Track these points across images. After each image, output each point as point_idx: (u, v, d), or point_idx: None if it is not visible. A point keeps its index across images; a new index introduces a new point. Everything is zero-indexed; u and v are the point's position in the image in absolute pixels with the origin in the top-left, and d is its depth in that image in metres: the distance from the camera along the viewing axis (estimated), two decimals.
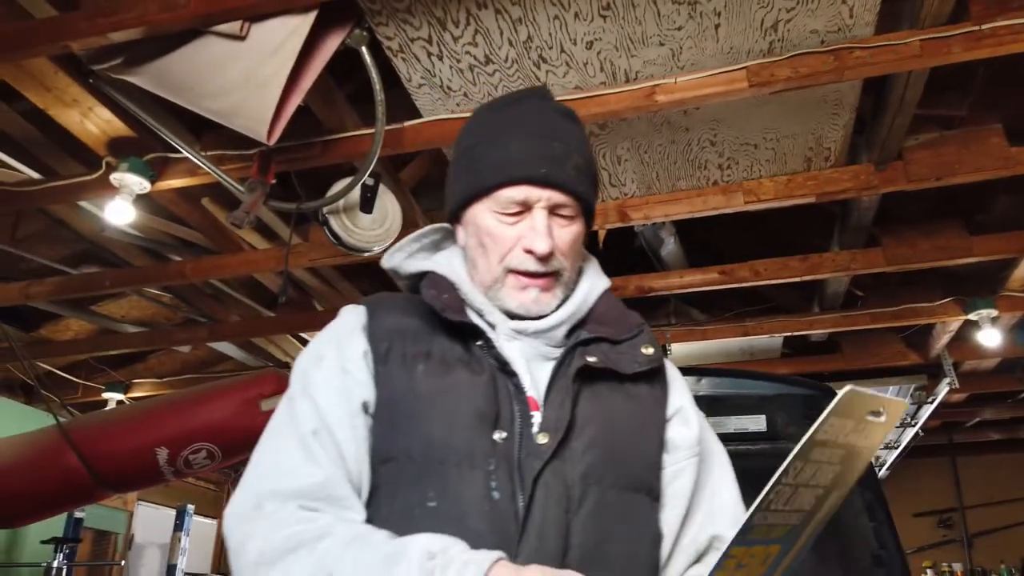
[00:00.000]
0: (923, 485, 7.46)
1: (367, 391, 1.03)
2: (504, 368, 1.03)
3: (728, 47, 2.42)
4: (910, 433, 5.90)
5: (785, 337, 4.62)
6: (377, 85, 2.36)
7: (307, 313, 4.34)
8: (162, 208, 3.34)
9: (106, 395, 5.20)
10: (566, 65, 2.48)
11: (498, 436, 0.98)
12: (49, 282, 3.76)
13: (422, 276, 1.15)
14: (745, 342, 4.86)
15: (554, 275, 1.08)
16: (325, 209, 2.83)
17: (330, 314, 4.35)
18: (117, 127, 2.72)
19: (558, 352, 1.08)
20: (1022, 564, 7.03)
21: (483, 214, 1.09)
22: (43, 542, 5.19)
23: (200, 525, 7.29)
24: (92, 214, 3.31)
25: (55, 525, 5.31)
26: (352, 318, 1.11)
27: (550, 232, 1.06)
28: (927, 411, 5.37)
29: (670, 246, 3.73)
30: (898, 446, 6.27)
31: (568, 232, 1.09)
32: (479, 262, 1.10)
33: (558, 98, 1.20)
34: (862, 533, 2.50)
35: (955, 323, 4.27)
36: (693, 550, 1.07)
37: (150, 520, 6.91)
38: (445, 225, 1.19)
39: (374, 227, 2.94)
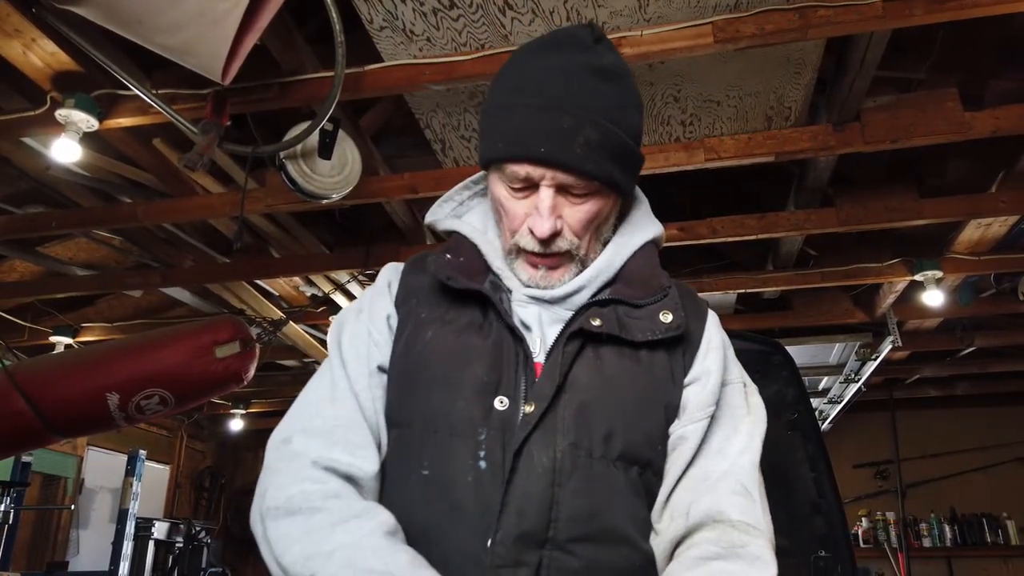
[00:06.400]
0: (864, 438, 7.73)
1: (384, 354, 1.06)
2: (513, 332, 1.00)
3: (695, 1, 2.40)
4: (853, 388, 6.10)
5: (739, 294, 4.70)
6: (337, 26, 2.29)
7: (263, 260, 4.27)
8: (111, 147, 3.22)
9: (54, 339, 5.07)
10: (532, 13, 2.44)
11: (499, 404, 0.95)
12: None
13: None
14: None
15: (564, 255, 1.04)
16: (282, 154, 2.77)
17: (287, 261, 4.26)
18: (63, 61, 2.60)
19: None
20: (951, 514, 7.39)
21: (496, 184, 1.05)
22: None
23: (152, 470, 7.25)
24: (36, 151, 3.19)
25: (2, 469, 5.23)
26: (385, 277, 1.13)
27: (555, 212, 1.01)
28: (870, 367, 5.54)
29: None
30: (842, 401, 6.47)
31: (581, 211, 1.02)
32: (499, 228, 1.10)
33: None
34: (803, 483, 2.60)
35: (901, 283, 4.39)
36: (683, 521, 0.96)
37: (101, 465, 6.84)
38: None
39: (332, 174, 2.89)
